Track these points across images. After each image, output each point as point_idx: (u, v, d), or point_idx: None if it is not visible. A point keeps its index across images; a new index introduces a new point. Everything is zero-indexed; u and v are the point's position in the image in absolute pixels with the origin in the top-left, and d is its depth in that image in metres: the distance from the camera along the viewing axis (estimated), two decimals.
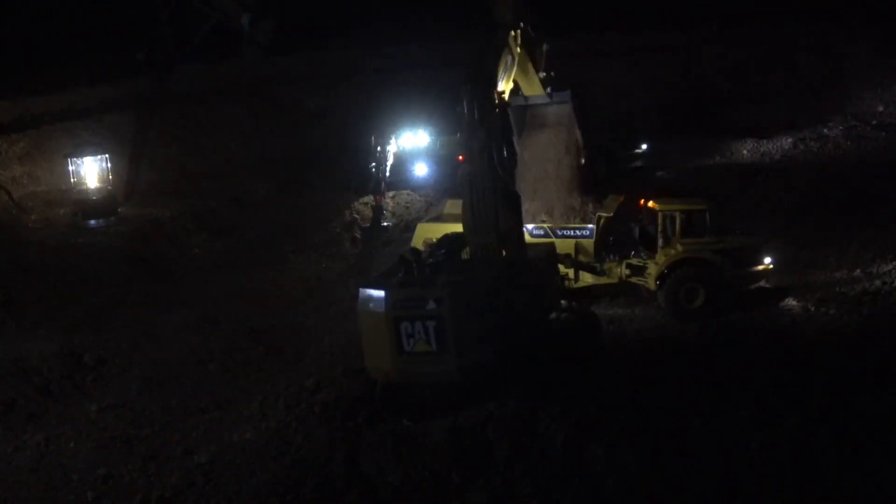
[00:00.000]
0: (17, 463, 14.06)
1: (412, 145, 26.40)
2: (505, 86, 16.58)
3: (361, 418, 13.62)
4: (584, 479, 11.50)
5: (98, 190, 25.13)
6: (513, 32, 16.70)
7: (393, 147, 24.83)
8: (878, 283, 18.50)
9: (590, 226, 19.72)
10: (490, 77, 15.36)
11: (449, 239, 15.02)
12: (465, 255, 14.76)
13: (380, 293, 13.32)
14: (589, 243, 19.48)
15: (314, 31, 36.92)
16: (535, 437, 12.18)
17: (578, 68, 40.56)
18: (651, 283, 18.87)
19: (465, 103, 14.12)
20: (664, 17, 41.22)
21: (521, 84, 17.27)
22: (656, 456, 11.72)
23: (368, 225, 25.34)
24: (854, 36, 39.30)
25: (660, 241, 18.83)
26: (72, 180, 25.28)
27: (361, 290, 13.65)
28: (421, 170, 28.32)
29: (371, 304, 13.37)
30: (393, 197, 27.48)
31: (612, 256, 19.48)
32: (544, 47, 16.89)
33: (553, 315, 15.24)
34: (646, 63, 41.16)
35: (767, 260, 18.85)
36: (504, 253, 14.44)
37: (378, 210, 25.22)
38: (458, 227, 15.29)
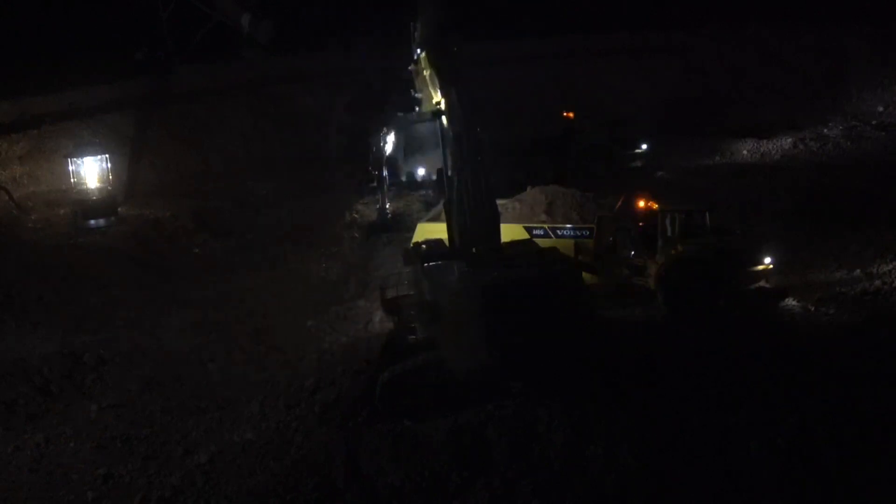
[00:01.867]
0: (17, 463, 14.04)
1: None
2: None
3: (361, 418, 13.61)
4: (584, 479, 11.50)
5: (98, 190, 25.15)
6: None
7: (390, 145, 24.81)
8: (878, 283, 18.49)
9: (589, 226, 19.72)
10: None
11: (436, 245, 15.20)
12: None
13: (476, 287, 13.25)
14: (589, 243, 19.47)
15: (314, 31, 36.94)
16: (535, 437, 12.17)
17: (579, 68, 40.81)
18: (651, 283, 18.86)
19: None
20: (664, 17, 41.28)
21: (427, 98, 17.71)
22: (656, 456, 11.72)
23: (375, 219, 25.30)
24: (854, 36, 39.32)
25: (660, 241, 18.83)
26: (72, 180, 25.29)
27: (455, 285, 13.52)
28: (421, 171, 28.34)
29: (463, 300, 13.27)
30: (395, 196, 27.49)
31: (612, 256, 19.47)
32: None
33: None
34: (646, 63, 41.21)
35: (767, 260, 18.83)
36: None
37: (382, 205, 25.21)
38: None
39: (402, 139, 17.50)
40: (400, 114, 17.67)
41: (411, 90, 18.24)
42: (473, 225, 14.67)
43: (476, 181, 14.77)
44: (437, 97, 15.73)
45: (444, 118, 15.26)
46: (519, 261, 14.27)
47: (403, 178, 18.23)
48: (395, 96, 18.76)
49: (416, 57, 17.42)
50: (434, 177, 18.01)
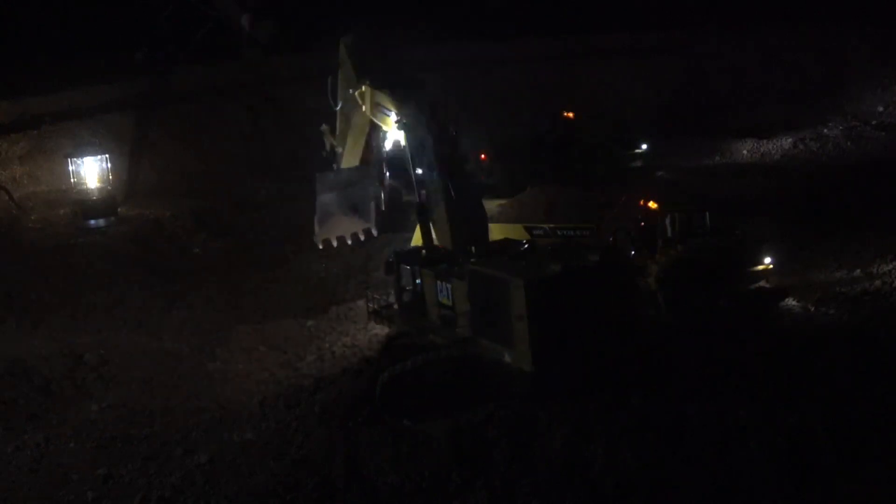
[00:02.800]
0: (17, 463, 14.04)
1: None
2: None
3: (361, 418, 13.61)
4: (584, 479, 11.50)
5: (98, 190, 25.16)
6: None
7: (389, 143, 24.83)
8: (878, 283, 18.47)
9: (589, 226, 19.73)
10: None
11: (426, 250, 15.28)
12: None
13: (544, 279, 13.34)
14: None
15: (314, 31, 36.95)
16: (535, 437, 12.17)
17: (579, 68, 40.81)
18: (651, 283, 18.85)
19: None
20: (664, 17, 41.28)
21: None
22: (656, 456, 11.72)
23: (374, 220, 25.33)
24: (854, 36, 39.32)
25: (660, 242, 18.82)
26: (72, 180, 25.31)
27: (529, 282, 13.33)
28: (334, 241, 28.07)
29: (527, 294, 13.22)
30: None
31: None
32: None
33: None
34: (646, 63, 41.19)
35: (767, 260, 18.83)
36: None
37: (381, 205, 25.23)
38: None
39: (320, 202, 17.62)
40: (317, 174, 17.75)
41: (322, 151, 18.30)
42: (466, 224, 14.72)
43: (461, 181, 14.92)
44: (394, 117, 15.83)
45: (409, 132, 15.31)
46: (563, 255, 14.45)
47: (321, 247, 18.22)
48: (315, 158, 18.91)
49: (337, 107, 17.49)
50: (349, 241, 18.17)
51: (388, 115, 16.33)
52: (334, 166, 18.00)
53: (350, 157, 17.99)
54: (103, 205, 25.00)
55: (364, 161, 24.74)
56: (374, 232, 18.52)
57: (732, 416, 12.48)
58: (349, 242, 18.24)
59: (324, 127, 18.58)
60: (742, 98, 39.39)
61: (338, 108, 17.75)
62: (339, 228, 18.09)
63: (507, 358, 13.43)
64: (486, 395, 13.19)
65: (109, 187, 25.54)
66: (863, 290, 18.24)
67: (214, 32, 34.41)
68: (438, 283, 14.74)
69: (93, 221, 24.58)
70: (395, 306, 16.19)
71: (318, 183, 17.65)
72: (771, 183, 28.13)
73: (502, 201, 22.36)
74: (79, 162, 25.27)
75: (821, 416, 12.22)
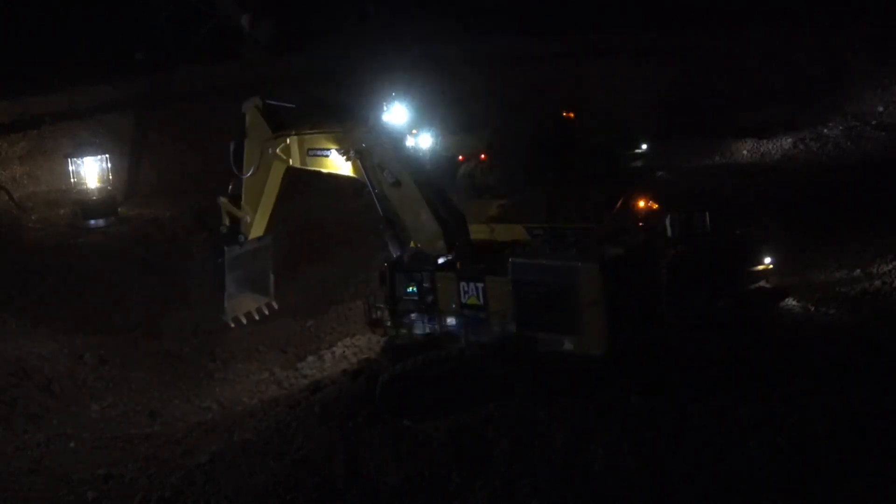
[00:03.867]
0: (17, 463, 14.06)
1: (413, 145, 26.36)
2: None
3: (361, 418, 13.62)
4: (584, 479, 11.50)
5: (98, 190, 25.16)
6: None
7: None
8: (878, 283, 18.48)
9: (589, 226, 19.69)
10: None
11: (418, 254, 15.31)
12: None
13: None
14: None
15: (314, 31, 36.96)
16: (535, 437, 12.17)
17: (579, 68, 40.80)
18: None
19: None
20: (664, 17, 41.29)
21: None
22: (656, 456, 11.72)
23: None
24: (854, 36, 39.32)
25: (660, 241, 18.80)
26: (72, 180, 25.31)
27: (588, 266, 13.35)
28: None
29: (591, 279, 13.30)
30: None
31: None
32: None
33: None
34: (646, 63, 41.19)
35: (767, 260, 18.83)
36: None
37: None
38: None
39: (228, 282, 17.60)
40: (226, 248, 17.56)
41: (221, 227, 18.12)
42: (452, 222, 14.77)
43: (431, 183, 15.01)
44: (336, 154, 15.79)
45: (364, 158, 15.26)
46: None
47: (232, 325, 18.46)
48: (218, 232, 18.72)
49: (247, 174, 17.21)
50: (257, 317, 18.34)
51: (328, 156, 16.09)
52: (241, 237, 17.80)
53: (259, 226, 17.77)
54: (103, 205, 25.00)
55: None
56: (275, 305, 18.85)
57: (732, 416, 12.49)
58: (257, 318, 18.53)
59: (222, 199, 18.10)
60: (742, 98, 39.40)
61: (247, 175, 17.35)
62: (244, 306, 18.34)
63: (568, 346, 13.39)
64: (486, 395, 13.18)
65: (109, 187, 25.54)
66: (863, 290, 18.25)
67: (214, 32, 34.42)
68: (462, 284, 14.63)
69: (93, 221, 24.58)
70: (387, 316, 15.97)
71: (228, 260, 17.58)
72: (771, 183, 28.12)
73: (502, 201, 22.36)
74: (79, 162, 25.26)
75: (821, 415, 12.23)
